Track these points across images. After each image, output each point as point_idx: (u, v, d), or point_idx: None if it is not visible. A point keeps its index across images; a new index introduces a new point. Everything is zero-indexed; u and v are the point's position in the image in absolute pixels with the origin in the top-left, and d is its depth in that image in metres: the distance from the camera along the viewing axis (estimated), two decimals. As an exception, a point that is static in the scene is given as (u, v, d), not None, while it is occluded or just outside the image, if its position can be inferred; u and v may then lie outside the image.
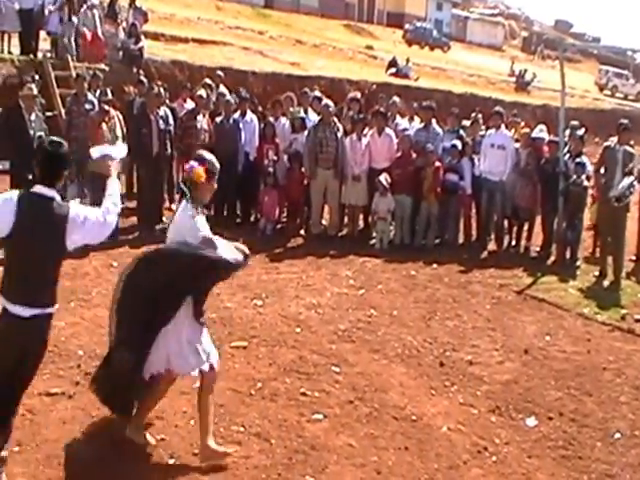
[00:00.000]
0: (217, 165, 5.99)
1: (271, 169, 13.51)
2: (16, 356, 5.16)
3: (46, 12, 18.63)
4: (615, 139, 12.56)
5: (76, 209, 5.34)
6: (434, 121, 14.05)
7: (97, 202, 12.05)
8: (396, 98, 15.78)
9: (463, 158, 13.49)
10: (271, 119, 13.99)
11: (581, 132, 15.34)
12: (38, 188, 5.21)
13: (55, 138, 5.60)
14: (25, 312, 5.14)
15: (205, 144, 12.81)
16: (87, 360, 7.64)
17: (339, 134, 13.28)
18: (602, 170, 12.51)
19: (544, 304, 10.90)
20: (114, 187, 5.79)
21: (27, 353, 5.23)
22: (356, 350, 8.52)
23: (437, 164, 13.16)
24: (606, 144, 12.83)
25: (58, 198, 5.29)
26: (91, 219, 5.36)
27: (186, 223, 5.76)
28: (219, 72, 17.10)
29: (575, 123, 16.40)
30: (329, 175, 13.34)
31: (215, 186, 6.02)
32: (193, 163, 5.78)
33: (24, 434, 6.13)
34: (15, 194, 5.21)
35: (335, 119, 13.56)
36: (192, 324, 5.91)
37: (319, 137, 13.22)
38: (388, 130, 13.60)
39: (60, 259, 5.38)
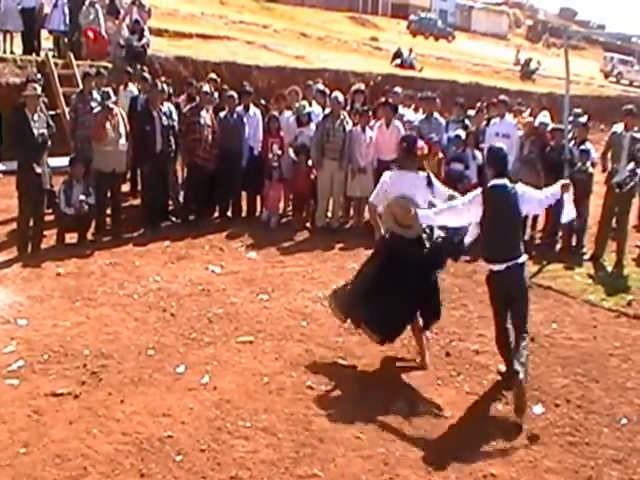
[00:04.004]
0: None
1: (276, 163, 13.49)
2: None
3: (46, 10, 18.63)
4: (621, 125, 12.53)
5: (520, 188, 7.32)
6: (436, 111, 14.05)
7: (101, 200, 12.20)
8: (398, 89, 15.76)
9: (467, 147, 13.46)
10: (275, 113, 13.99)
11: (584, 119, 15.30)
12: (494, 181, 7.31)
13: (496, 144, 8.07)
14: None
15: (208, 140, 12.83)
16: (93, 359, 7.68)
17: (347, 127, 13.30)
18: (609, 156, 12.52)
19: (550, 292, 10.90)
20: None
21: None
22: (362, 342, 8.51)
23: (440, 155, 13.14)
24: (613, 130, 12.79)
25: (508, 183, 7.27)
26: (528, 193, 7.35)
27: None
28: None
29: (578, 110, 16.37)
30: (335, 166, 13.35)
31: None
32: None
33: (31, 435, 6.18)
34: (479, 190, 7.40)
35: (345, 113, 13.59)
36: None
37: (326, 128, 13.25)
38: (396, 122, 13.58)
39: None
